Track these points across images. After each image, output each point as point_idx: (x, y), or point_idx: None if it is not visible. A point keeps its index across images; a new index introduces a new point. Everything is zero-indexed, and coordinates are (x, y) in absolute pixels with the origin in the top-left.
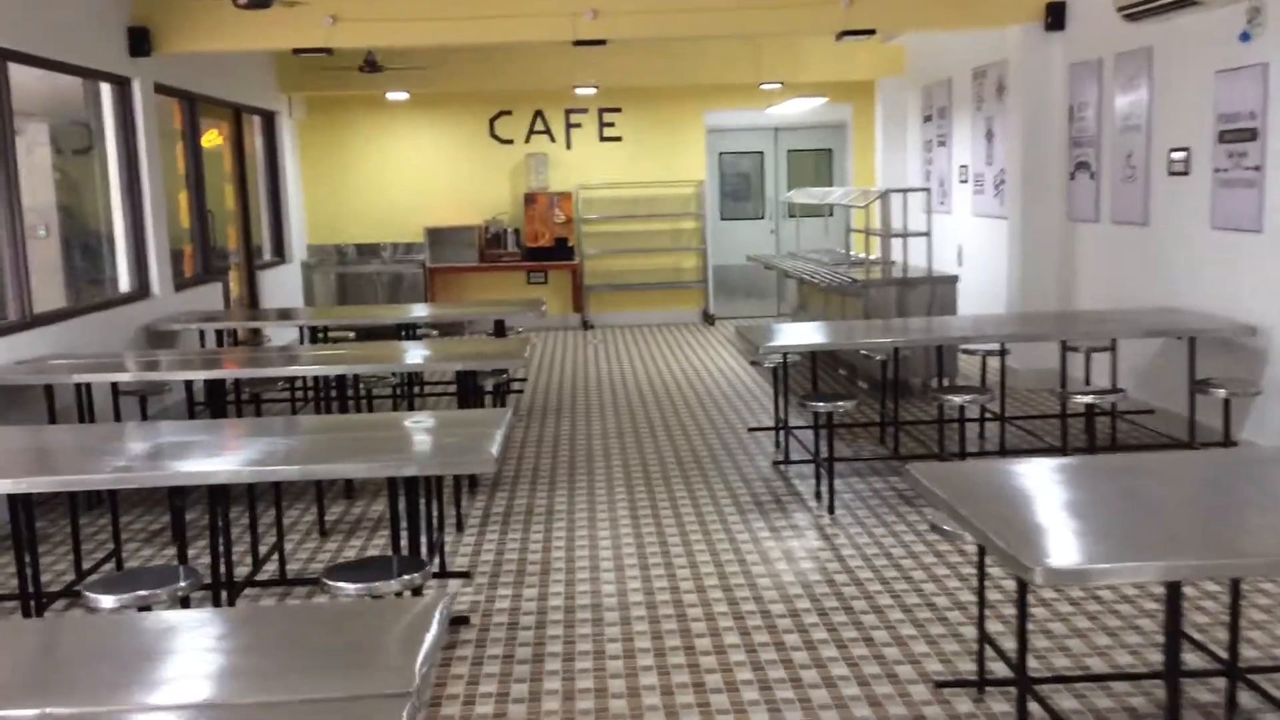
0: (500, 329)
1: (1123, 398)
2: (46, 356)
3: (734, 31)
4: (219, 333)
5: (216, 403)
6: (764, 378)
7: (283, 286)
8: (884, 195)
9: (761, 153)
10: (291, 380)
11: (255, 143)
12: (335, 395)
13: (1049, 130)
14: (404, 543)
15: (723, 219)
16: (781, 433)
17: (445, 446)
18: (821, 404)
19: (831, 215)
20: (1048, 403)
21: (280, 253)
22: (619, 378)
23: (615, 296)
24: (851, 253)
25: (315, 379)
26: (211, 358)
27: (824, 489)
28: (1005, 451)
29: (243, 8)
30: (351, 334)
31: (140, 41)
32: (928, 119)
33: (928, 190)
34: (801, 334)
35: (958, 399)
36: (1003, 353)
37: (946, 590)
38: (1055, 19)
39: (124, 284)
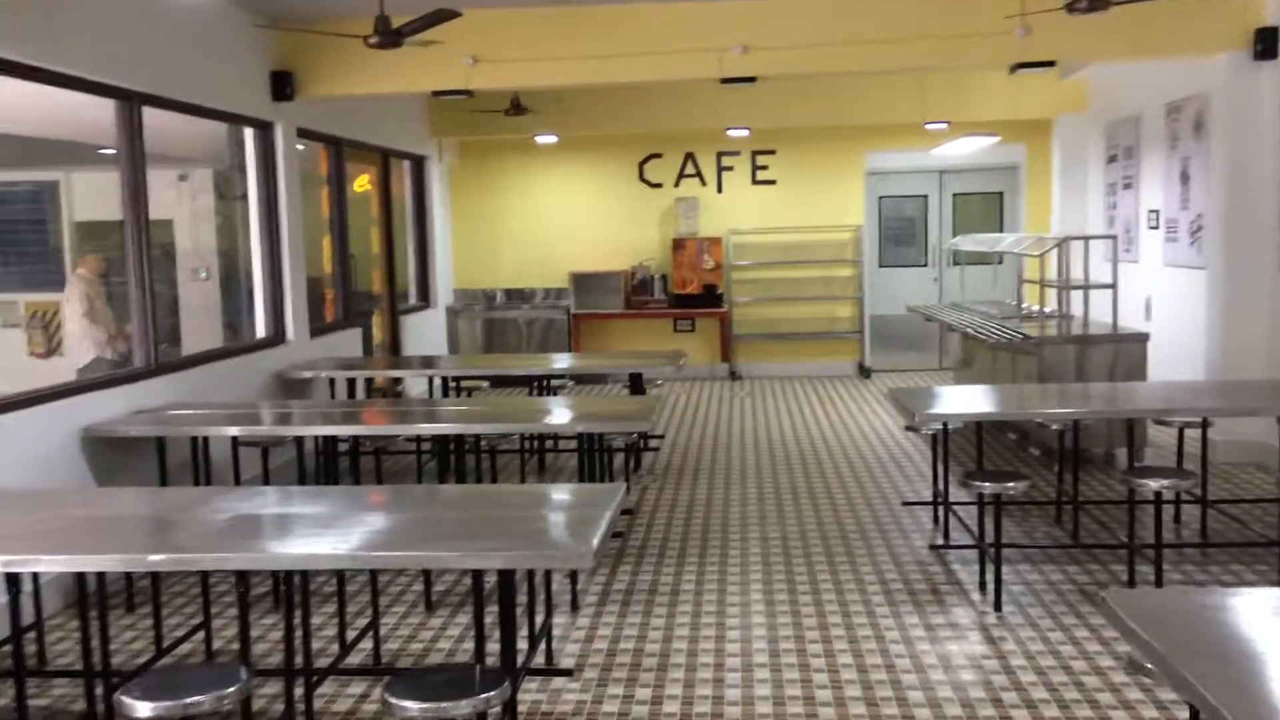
0: (637, 384)
1: None
2: (167, 406)
3: (897, 67)
4: (350, 381)
5: (331, 460)
6: (923, 441)
7: (427, 332)
8: (1062, 243)
9: (925, 196)
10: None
11: (405, 187)
12: (456, 452)
13: (1258, 171)
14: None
15: (881, 266)
16: (940, 508)
17: (541, 533)
18: (987, 484)
19: (1000, 263)
20: (1254, 481)
21: (425, 297)
22: (764, 435)
23: (765, 346)
24: (1024, 305)
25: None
26: (331, 411)
27: (989, 579)
28: (1208, 543)
29: (373, 47)
30: (485, 383)
31: (283, 85)
32: (1112, 159)
33: (1112, 238)
34: (964, 399)
35: (1154, 484)
36: (1204, 425)
37: None
38: (1266, 46)
39: (260, 329)
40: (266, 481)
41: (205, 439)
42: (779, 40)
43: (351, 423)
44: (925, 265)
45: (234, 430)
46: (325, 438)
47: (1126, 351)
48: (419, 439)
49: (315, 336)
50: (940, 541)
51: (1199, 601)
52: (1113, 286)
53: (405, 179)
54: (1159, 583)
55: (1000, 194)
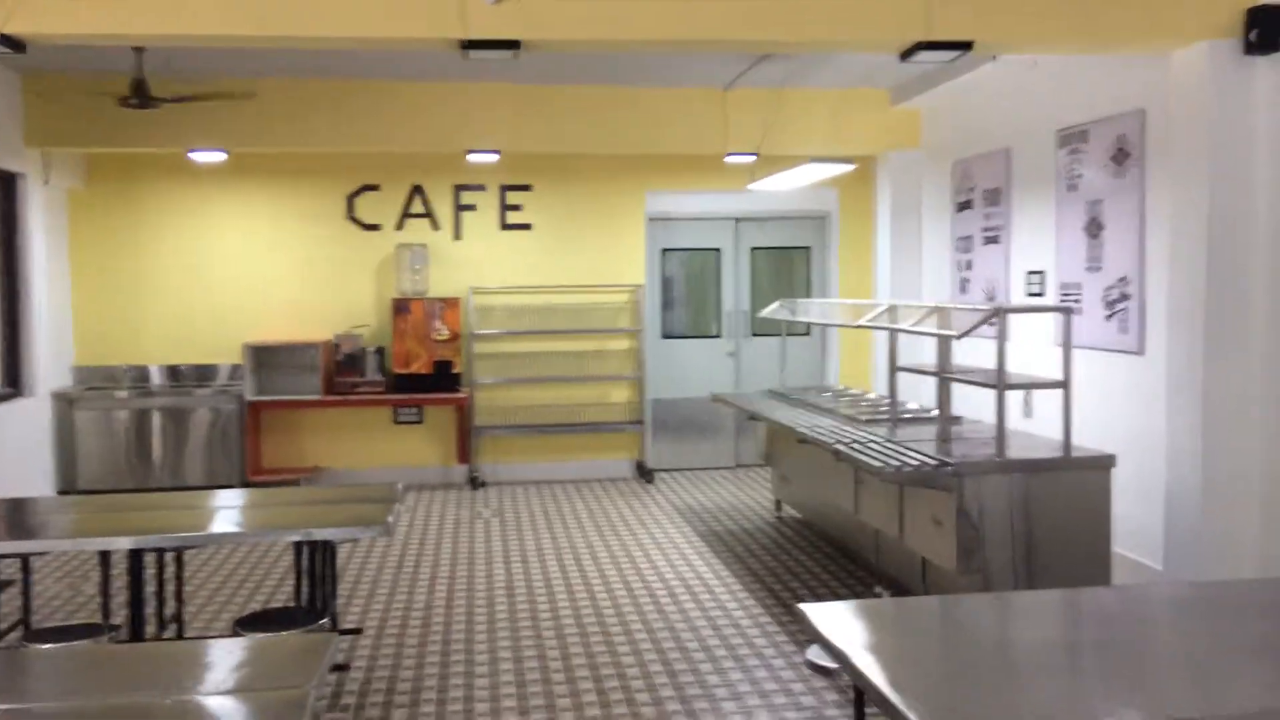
0: (325, 561)
1: None
2: None
3: (743, 38)
4: None
5: None
6: (757, 579)
7: (13, 436)
8: (998, 313)
9: (718, 249)
10: None
11: None
12: None
13: (1247, 213)
14: None
15: (664, 336)
16: None
17: None
18: None
19: (807, 334)
20: None
21: (14, 382)
22: (522, 596)
23: (517, 442)
24: (911, 401)
25: None
26: None
27: None
28: None
29: None
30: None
31: None
32: (964, 206)
33: (1066, 311)
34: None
35: None
36: None
37: None
38: (1265, 34)
39: None
40: None
41: None
42: None
43: None
44: (718, 336)
45: None
46: None
47: (1086, 484)
48: None
49: None
50: None
51: None
52: (1064, 385)
53: None
54: None
55: (807, 249)
